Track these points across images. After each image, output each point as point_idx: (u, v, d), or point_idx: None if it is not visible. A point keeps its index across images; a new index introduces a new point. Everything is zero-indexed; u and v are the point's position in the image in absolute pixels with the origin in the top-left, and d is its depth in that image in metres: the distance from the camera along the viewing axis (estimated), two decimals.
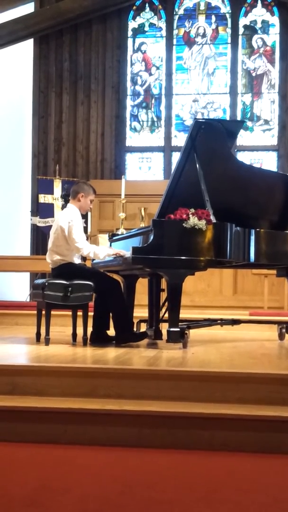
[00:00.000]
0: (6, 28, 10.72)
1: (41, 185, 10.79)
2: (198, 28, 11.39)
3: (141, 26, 11.55)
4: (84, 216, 9.42)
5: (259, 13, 11.28)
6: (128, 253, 5.06)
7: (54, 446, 3.46)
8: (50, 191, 10.65)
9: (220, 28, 11.35)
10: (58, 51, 11.46)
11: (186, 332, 5.01)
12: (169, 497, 2.69)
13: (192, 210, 4.87)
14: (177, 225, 4.84)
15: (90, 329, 5.42)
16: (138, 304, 6.08)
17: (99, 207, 10.45)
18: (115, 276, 5.76)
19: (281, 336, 6.00)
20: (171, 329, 4.88)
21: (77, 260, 5.45)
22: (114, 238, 6.05)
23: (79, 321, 5.47)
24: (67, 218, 5.36)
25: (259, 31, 11.28)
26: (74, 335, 5.59)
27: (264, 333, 6.70)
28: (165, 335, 4.99)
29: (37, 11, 11.21)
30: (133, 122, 11.50)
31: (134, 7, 11.50)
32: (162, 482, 2.88)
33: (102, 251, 5.38)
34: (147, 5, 11.50)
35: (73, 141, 11.37)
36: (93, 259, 5.83)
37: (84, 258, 5.83)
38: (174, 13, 11.42)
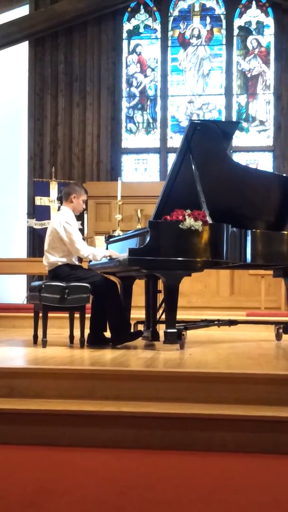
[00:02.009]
0: (1, 30, 10.73)
1: (37, 187, 10.79)
2: (193, 30, 11.41)
3: (136, 28, 11.56)
4: (80, 218, 9.43)
5: (253, 14, 11.30)
6: (121, 256, 5.08)
7: (53, 448, 3.46)
8: (46, 193, 10.66)
9: (215, 29, 11.37)
10: (54, 53, 11.46)
11: (183, 333, 5.01)
12: (167, 498, 2.69)
13: (188, 211, 4.87)
14: (173, 226, 4.85)
15: (87, 331, 5.42)
16: (135, 306, 6.08)
17: (96, 209, 10.45)
18: (112, 278, 5.76)
19: (278, 337, 6.01)
20: (168, 330, 4.88)
21: (73, 262, 5.45)
22: (111, 239, 6.05)
23: (76, 323, 5.47)
24: (62, 220, 5.36)
25: (253, 32, 11.30)
26: (71, 337, 5.60)
27: (261, 333, 6.71)
28: (162, 337, 4.99)
29: (32, 13, 11.22)
30: (128, 123, 11.51)
31: (129, 9, 11.52)
32: (161, 483, 2.88)
33: (100, 252, 5.38)
34: (141, 7, 11.52)
35: (69, 143, 11.37)
36: (90, 261, 5.84)
37: (80, 260, 5.83)
38: (169, 14, 11.44)
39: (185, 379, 3.76)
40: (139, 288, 6.29)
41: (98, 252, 5.38)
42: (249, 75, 11.30)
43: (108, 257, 5.38)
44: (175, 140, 11.17)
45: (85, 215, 10.11)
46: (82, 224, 10.03)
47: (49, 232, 5.49)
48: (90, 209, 10.25)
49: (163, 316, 5.22)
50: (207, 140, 5.22)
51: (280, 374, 3.78)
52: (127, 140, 11.48)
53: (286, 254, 5.55)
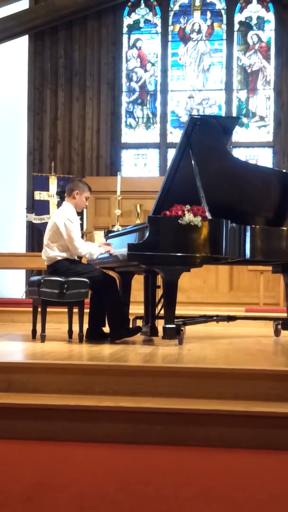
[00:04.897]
0: (1, 24, 10.69)
1: (36, 182, 10.78)
2: (193, 24, 11.38)
3: (136, 22, 11.53)
4: (80, 213, 9.42)
5: (254, 9, 11.27)
6: (120, 251, 5.08)
7: (51, 443, 3.46)
8: (46, 188, 10.65)
9: (215, 24, 11.34)
10: (53, 47, 11.43)
11: (182, 328, 5.01)
12: (165, 494, 2.69)
13: (188, 207, 4.86)
14: (172, 222, 4.84)
15: (86, 326, 5.41)
16: (134, 301, 6.08)
17: (95, 203, 10.44)
18: (111, 273, 5.75)
19: (276, 332, 6.01)
20: (167, 326, 4.88)
21: (72, 257, 5.44)
22: (110, 234, 6.05)
23: (75, 318, 5.46)
24: (62, 216, 5.35)
25: (254, 27, 11.28)
26: (70, 332, 5.60)
27: (259, 329, 6.71)
28: (161, 332, 4.99)
29: (32, 7, 11.17)
30: (128, 118, 11.49)
31: (129, 4, 11.48)
32: (158, 479, 2.88)
33: (96, 250, 5.35)
34: (142, 1, 11.49)
35: (69, 138, 11.35)
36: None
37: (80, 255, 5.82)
38: (169, 9, 11.40)
39: (184, 374, 3.76)
40: (138, 283, 6.28)
41: (95, 250, 5.35)
42: (249, 71, 11.28)
43: (105, 253, 5.36)
44: (175, 135, 11.16)
45: (85, 210, 10.11)
46: (82, 219, 10.02)
47: (49, 226, 5.48)
48: (90, 204, 10.19)
49: (162, 312, 5.22)
50: (207, 135, 5.21)
51: (279, 370, 3.78)
52: (127, 135, 11.46)
53: (285, 250, 5.55)
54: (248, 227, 5.27)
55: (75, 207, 5.52)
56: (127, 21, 11.52)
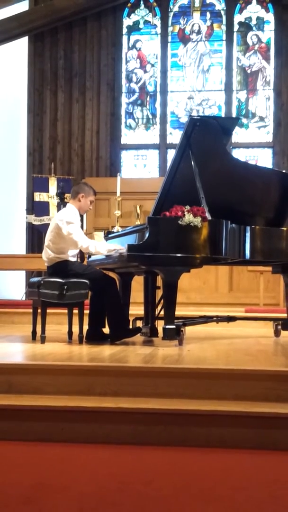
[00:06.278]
0: (1, 26, 10.70)
1: (36, 183, 10.79)
2: (193, 25, 11.39)
3: (136, 23, 11.54)
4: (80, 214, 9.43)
5: (254, 10, 11.29)
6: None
7: (51, 444, 3.46)
8: (46, 189, 10.65)
9: (215, 25, 11.35)
10: (53, 48, 11.44)
11: (181, 329, 5.01)
12: (165, 494, 2.69)
13: (187, 207, 4.86)
14: (172, 223, 4.84)
15: (86, 327, 5.41)
16: (133, 302, 6.08)
17: (95, 204, 10.37)
18: (111, 274, 5.75)
19: (276, 333, 6.01)
20: (167, 327, 4.88)
21: (72, 258, 5.45)
22: (110, 235, 6.04)
23: (75, 319, 5.46)
24: (64, 217, 5.35)
25: (254, 28, 11.29)
26: (70, 333, 5.60)
27: (259, 329, 6.71)
28: (161, 333, 4.99)
29: (31, 8, 11.19)
30: (128, 119, 11.50)
31: (129, 4, 11.49)
32: (158, 479, 2.88)
33: (103, 246, 5.34)
34: (141, 2, 11.50)
35: (68, 139, 11.36)
36: (89, 256, 5.83)
37: (82, 257, 5.81)
38: (169, 10, 11.42)
39: (184, 375, 3.75)
40: (138, 284, 6.28)
41: (101, 246, 5.32)
42: (249, 71, 11.29)
43: (113, 251, 5.31)
44: (175, 136, 11.16)
45: None
46: (82, 220, 10.01)
47: (51, 227, 5.48)
48: None
49: (162, 312, 5.22)
50: (207, 136, 5.21)
51: (279, 371, 3.78)
52: (127, 136, 11.47)
53: (285, 250, 5.55)
54: (248, 228, 5.27)
55: (79, 209, 5.50)
56: (127, 22, 11.54)
